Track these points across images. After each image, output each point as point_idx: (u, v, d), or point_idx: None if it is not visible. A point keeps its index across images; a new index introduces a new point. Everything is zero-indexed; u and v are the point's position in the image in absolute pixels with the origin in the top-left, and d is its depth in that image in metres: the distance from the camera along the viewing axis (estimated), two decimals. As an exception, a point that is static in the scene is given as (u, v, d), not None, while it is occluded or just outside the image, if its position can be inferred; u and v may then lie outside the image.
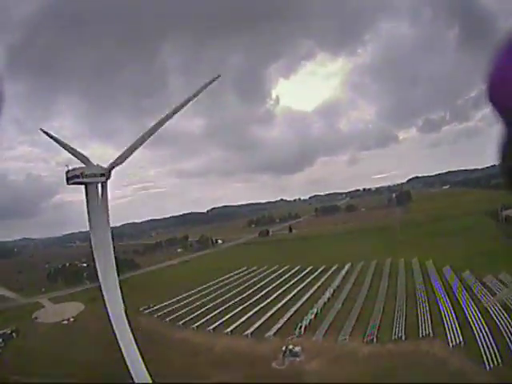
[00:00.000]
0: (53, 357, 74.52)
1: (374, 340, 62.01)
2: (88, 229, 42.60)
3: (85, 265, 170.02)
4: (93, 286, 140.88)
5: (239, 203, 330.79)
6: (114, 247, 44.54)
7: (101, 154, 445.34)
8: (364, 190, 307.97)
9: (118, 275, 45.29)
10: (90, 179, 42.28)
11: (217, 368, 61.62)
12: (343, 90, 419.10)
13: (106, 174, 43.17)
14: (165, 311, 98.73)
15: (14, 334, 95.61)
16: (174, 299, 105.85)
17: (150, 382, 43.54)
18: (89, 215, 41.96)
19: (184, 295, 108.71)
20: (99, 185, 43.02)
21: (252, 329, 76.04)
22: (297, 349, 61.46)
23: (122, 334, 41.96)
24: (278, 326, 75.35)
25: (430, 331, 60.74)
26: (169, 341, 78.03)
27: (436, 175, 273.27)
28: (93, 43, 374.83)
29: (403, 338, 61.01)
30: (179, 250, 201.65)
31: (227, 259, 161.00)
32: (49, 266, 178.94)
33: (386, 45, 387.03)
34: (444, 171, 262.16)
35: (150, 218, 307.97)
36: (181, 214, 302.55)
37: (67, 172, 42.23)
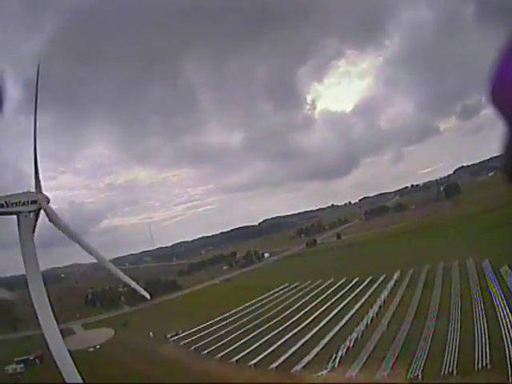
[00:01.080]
0: None
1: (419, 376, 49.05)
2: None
3: (122, 289, 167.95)
4: (129, 310, 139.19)
5: (290, 213, 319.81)
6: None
7: (145, 176, 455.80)
8: (412, 186, 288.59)
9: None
10: (18, 208, 35.98)
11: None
12: (377, 86, 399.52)
13: (43, 199, 36.40)
14: (192, 338, 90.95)
15: (37, 360, 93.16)
16: (204, 324, 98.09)
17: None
18: (23, 251, 35.26)
19: (215, 320, 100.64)
20: (30, 214, 36.19)
21: (280, 360, 65.37)
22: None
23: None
24: (310, 357, 64.08)
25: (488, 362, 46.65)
26: (187, 373, 69.57)
27: (480, 162, 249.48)
28: (113, 67, 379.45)
29: (454, 372, 47.53)
30: (224, 268, 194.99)
31: (270, 275, 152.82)
32: (92, 290, 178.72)
33: (409, 33, 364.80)
34: (488, 157, 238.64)
35: (200, 236, 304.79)
36: (231, 229, 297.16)
37: None
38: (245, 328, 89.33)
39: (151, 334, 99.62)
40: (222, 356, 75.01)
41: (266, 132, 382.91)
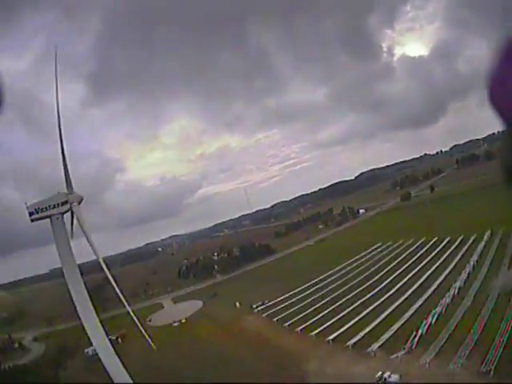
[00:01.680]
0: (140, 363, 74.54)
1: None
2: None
3: (216, 257, 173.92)
4: (221, 279, 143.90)
5: (385, 164, 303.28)
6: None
7: (235, 142, 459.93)
8: (498, 132, 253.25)
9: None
10: (50, 212, 37.17)
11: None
12: (448, 29, 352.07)
13: (74, 199, 36.00)
14: (277, 308, 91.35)
15: (119, 340, 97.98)
16: (291, 293, 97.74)
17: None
18: (58, 250, 35.58)
19: (302, 287, 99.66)
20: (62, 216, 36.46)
21: (358, 337, 61.79)
22: (393, 378, 45.34)
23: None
24: (389, 334, 59.41)
25: None
26: (265, 348, 69.84)
27: None
28: (183, 39, 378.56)
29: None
30: (320, 227, 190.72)
31: (363, 233, 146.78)
32: (187, 262, 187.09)
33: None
34: None
35: (299, 194, 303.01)
36: (329, 184, 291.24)
37: (27, 208, 36.44)
38: (330, 297, 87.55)
39: (238, 304, 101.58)
40: (303, 328, 74.21)
41: (349, 84, 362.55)
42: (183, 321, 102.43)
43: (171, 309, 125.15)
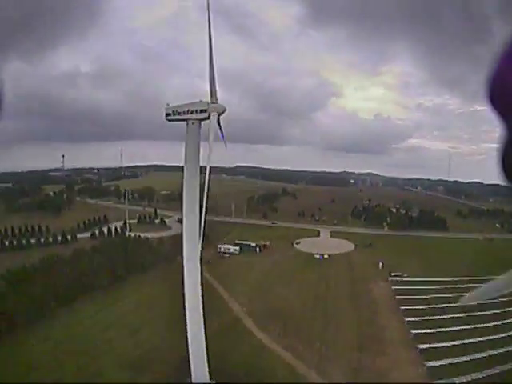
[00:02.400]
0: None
1: None
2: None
3: (394, 209, 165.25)
4: (387, 233, 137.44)
5: None
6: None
7: (454, 104, 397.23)
8: None
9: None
10: (186, 116, 39.29)
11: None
12: None
13: (214, 109, 38.41)
14: (412, 287, 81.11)
15: (257, 249, 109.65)
16: (447, 278, 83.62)
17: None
18: (185, 151, 39.41)
19: (450, 279, 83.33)
20: (198, 122, 39.22)
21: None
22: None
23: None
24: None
25: None
26: (370, 325, 66.45)
27: None
28: None
29: None
30: (497, 226, 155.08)
31: None
32: (368, 203, 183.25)
33: None
34: None
35: (494, 182, 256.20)
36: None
37: (166, 108, 40.25)
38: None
39: (380, 264, 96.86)
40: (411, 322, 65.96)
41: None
42: (326, 256, 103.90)
43: (323, 241, 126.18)
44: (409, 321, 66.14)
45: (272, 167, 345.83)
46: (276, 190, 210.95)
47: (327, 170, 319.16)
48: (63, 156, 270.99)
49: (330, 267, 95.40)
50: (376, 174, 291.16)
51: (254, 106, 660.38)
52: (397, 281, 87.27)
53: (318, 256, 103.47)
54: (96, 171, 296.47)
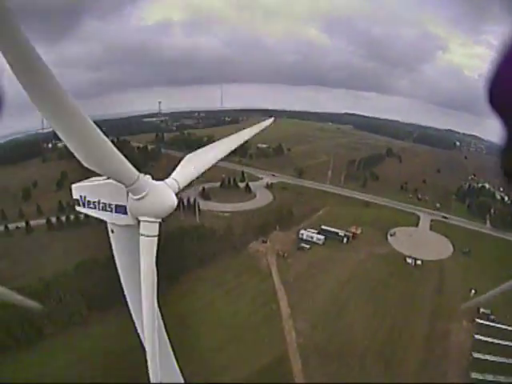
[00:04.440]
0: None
1: None
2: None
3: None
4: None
5: None
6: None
7: None
8: None
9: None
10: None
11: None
12: None
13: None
14: None
15: (345, 238, 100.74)
16: None
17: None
18: None
19: None
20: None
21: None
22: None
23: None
24: None
25: None
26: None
27: None
28: None
29: None
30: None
31: None
32: (473, 180, 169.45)
33: None
34: None
35: None
36: None
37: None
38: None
39: (473, 292, 75.91)
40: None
41: None
42: (418, 262, 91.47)
43: (421, 236, 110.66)
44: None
45: (381, 117, 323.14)
46: (380, 150, 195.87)
47: (433, 125, 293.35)
48: (159, 102, 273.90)
49: (418, 283, 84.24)
50: (480, 138, 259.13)
51: (360, 54, 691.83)
52: (482, 324, 70.40)
53: (410, 261, 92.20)
54: (196, 114, 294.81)
